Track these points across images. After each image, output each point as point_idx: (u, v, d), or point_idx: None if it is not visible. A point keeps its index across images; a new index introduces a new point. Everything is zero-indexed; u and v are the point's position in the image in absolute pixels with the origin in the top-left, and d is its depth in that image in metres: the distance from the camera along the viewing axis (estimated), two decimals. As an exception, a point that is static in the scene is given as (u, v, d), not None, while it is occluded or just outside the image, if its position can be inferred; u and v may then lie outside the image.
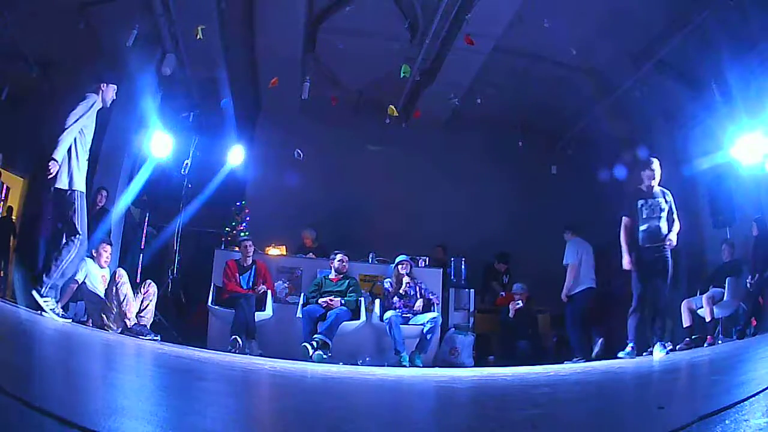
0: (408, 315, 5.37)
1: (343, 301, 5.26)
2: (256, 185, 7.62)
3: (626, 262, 4.56)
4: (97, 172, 5.95)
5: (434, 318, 5.22)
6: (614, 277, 7.71)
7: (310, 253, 6.48)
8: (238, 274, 5.40)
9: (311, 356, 4.65)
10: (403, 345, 5.11)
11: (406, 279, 5.45)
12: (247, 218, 6.64)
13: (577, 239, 6.44)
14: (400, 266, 5.52)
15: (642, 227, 4.55)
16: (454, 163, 7.96)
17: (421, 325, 5.23)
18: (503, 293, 6.79)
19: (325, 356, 4.71)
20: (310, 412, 1.85)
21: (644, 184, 4.68)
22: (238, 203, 6.79)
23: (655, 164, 4.65)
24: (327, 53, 6.83)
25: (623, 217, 4.65)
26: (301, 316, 5.15)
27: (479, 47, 6.09)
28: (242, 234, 6.31)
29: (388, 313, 5.24)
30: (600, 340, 5.70)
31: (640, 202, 4.61)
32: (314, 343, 4.73)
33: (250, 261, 5.50)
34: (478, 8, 5.58)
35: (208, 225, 6.90)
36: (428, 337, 5.16)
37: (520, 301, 6.21)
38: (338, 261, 5.51)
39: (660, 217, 4.54)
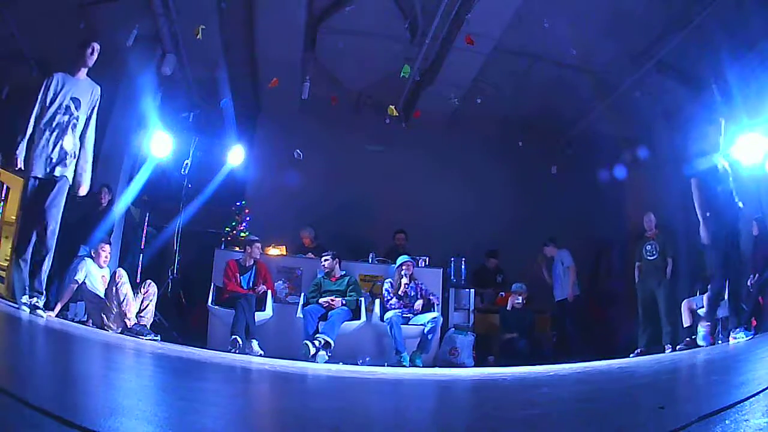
0: (408, 315, 5.38)
1: (344, 301, 5.27)
2: (256, 185, 7.62)
3: (705, 235, 3.85)
4: (97, 172, 5.96)
5: (435, 318, 5.24)
6: (613, 277, 7.77)
7: (309, 253, 6.49)
8: (238, 274, 5.40)
9: (313, 356, 4.66)
10: (403, 345, 5.12)
11: (404, 280, 5.46)
12: (247, 218, 6.64)
13: (562, 252, 6.65)
14: (403, 267, 5.52)
15: (719, 188, 3.88)
16: (454, 163, 7.95)
17: (422, 325, 5.24)
18: (503, 293, 6.80)
19: (327, 356, 4.72)
20: (310, 412, 1.85)
21: (710, 141, 4.04)
22: (238, 203, 6.79)
23: (722, 121, 4.02)
24: (327, 53, 6.82)
25: (693, 179, 3.92)
26: (302, 316, 5.15)
27: (479, 47, 6.09)
28: (242, 234, 6.31)
29: (389, 313, 5.24)
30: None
31: (716, 159, 3.90)
32: (316, 342, 4.74)
33: (252, 261, 5.50)
34: (478, 8, 5.58)
35: (208, 225, 6.89)
36: (429, 337, 5.18)
37: (519, 297, 6.23)
38: (322, 263, 5.53)
39: (731, 182, 3.90)
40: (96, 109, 3.68)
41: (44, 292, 3.47)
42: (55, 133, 3.42)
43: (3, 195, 7.08)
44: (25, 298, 3.34)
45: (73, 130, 3.50)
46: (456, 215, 7.68)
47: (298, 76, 6.99)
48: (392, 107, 6.85)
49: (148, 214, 6.44)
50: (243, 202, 6.88)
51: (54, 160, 3.41)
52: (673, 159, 6.75)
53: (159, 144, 5.96)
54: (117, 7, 5.72)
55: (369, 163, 7.98)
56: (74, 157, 3.52)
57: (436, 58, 6.79)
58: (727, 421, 1.26)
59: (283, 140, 7.62)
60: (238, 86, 7.15)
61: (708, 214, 3.93)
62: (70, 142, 3.47)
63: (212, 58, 6.55)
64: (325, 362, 4.64)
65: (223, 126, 7.00)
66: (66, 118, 3.47)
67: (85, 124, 3.60)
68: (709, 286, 4.13)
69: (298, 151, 7.13)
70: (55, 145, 3.42)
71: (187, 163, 6.49)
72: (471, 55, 6.38)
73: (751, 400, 1.45)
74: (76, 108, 3.51)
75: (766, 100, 5.25)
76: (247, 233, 6.32)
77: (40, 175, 3.40)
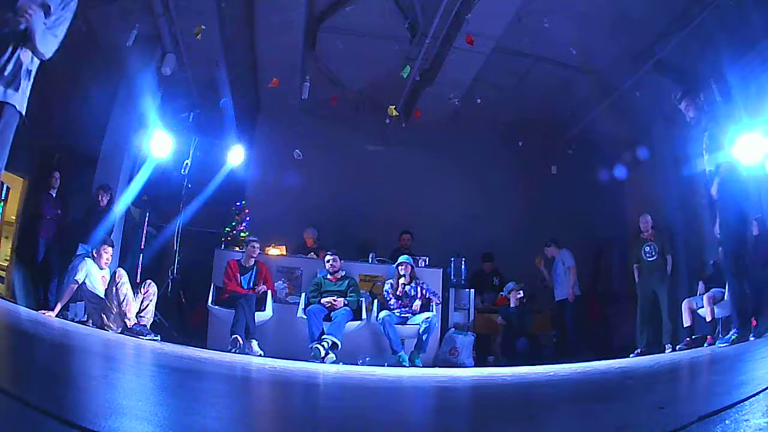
0: (407, 315, 5.38)
1: (346, 302, 5.28)
2: (256, 185, 7.62)
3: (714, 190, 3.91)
4: (97, 172, 5.96)
5: (429, 318, 5.22)
6: (613, 277, 7.78)
7: (312, 253, 6.49)
8: (239, 274, 5.40)
9: (324, 357, 4.66)
10: (399, 345, 5.12)
11: (402, 280, 5.46)
12: (247, 218, 6.64)
13: (563, 252, 6.65)
14: (400, 267, 5.52)
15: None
16: (454, 163, 7.96)
17: (417, 325, 5.24)
18: (502, 293, 6.81)
19: (334, 357, 4.73)
20: (310, 412, 1.85)
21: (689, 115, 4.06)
22: (238, 203, 6.79)
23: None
24: (327, 53, 6.82)
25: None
26: (305, 316, 5.15)
27: (479, 47, 6.09)
28: (242, 234, 6.31)
29: (382, 313, 5.26)
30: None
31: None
32: (324, 344, 4.75)
33: (253, 261, 5.50)
34: (478, 8, 5.58)
35: (208, 225, 6.90)
36: (424, 336, 5.16)
37: (521, 291, 6.24)
38: (327, 262, 5.53)
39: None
40: (71, 9, 2.93)
41: None
42: (12, 44, 2.68)
43: (3, 195, 7.09)
44: None
45: (34, 40, 2.74)
46: (456, 215, 7.68)
47: (298, 76, 6.98)
48: (392, 107, 6.85)
49: (148, 214, 6.44)
50: (243, 202, 6.88)
51: (5, 74, 2.66)
52: (673, 159, 6.75)
53: (159, 144, 5.96)
54: (117, 7, 5.71)
55: (369, 163, 7.98)
56: (29, 79, 2.79)
57: (436, 58, 6.79)
58: (727, 421, 1.26)
59: (283, 140, 7.62)
60: (238, 86, 7.14)
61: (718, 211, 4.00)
62: (27, 56, 2.74)
63: (212, 58, 6.55)
64: (331, 363, 4.66)
65: (223, 126, 6.99)
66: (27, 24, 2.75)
67: (53, 25, 2.85)
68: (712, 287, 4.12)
69: (297, 151, 7.13)
70: (9, 58, 2.69)
71: (187, 163, 6.50)
72: (471, 55, 6.37)
73: (751, 400, 1.45)
74: (46, 15, 2.80)
75: (766, 100, 5.25)
76: (247, 233, 6.33)
77: None
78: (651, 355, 5.04)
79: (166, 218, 6.60)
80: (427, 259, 6.30)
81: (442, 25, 6.14)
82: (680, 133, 6.75)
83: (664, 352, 5.30)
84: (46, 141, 6.43)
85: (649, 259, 5.88)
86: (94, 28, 5.94)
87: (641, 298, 5.90)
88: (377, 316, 5.32)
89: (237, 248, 5.98)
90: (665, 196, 6.86)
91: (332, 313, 5.14)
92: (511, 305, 6.26)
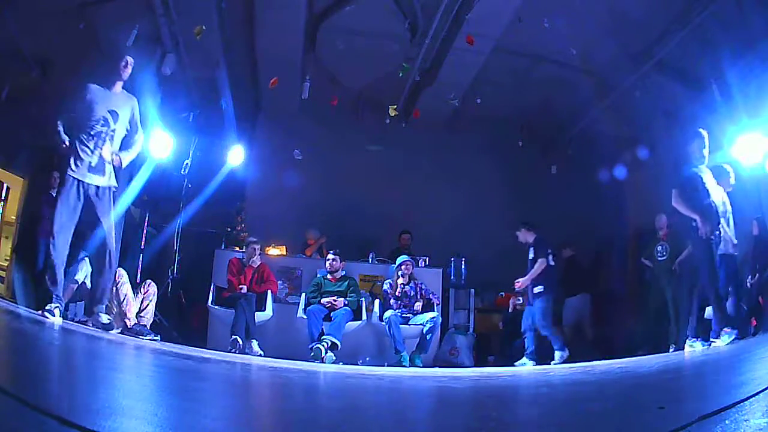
0: (408, 315, 5.39)
1: (346, 302, 5.28)
2: (256, 185, 7.62)
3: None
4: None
5: (434, 318, 5.24)
6: (613, 277, 7.76)
7: (316, 254, 6.51)
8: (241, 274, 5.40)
9: (323, 358, 4.66)
10: (402, 344, 5.12)
11: (400, 281, 5.47)
12: (247, 218, 6.65)
13: None
14: (402, 267, 5.52)
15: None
16: (454, 163, 7.96)
17: (421, 325, 5.24)
18: (503, 293, 6.80)
19: (334, 357, 4.74)
20: (310, 412, 1.85)
21: (695, 155, 4.64)
22: (238, 203, 6.79)
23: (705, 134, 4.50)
24: (327, 53, 6.83)
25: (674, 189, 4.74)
26: (305, 316, 5.15)
27: (479, 47, 6.09)
28: (242, 234, 6.32)
29: (388, 313, 5.25)
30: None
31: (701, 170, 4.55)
32: (324, 344, 4.75)
33: (256, 263, 5.48)
34: (478, 8, 5.58)
35: (208, 225, 6.90)
36: (428, 337, 5.18)
37: (521, 298, 6.23)
38: (328, 262, 5.53)
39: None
40: (137, 117, 3.94)
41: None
42: (92, 142, 3.62)
43: (3, 195, 7.09)
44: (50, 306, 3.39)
45: (110, 140, 3.70)
46: (455, 215, 7.67)
47: (298, 76, 6.98)
48: (392, 107, 6.85)
49: (148, 214, 6.44)
50: (243, 202, 6.89)
51: (93, 165, 3.60)
52: (673, 159, 6.74)
53: (159, 144, 5.96)
54: (117, 7, 5.71)
55: (369, 163, 7.98)
56: (111, 164, 3.73)
57: (436, 58, 6.79)
58: (727, 421, 1.26)
59: (283, 140, 7.62)
60: (238, 86, 7.15)
61: (694, 224, 4.29)
62: (108, 151, 3.67)
63: (212, 58, 6.55)
64: (331, 363, 4.66)
65: (223, 126, 7.00)
66: (104, 129, 3.69)
67: (127, 133, 3.86)
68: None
69: (297, 151, 7.13)
70: (93, 153, 3.61)
71: (187, 163, 6.50)
72: (471, 55, 6.38)
73: (751, 400, 1.45)
74: (113, 121, 3.72)
75: (766, 100, 5.25)
76: (247, 233, 6.34)
77: (81, 178, 3.56)
78: (653, 355, 5.04)
79: (166, 218, 6.60)
80: (427, 259, 6.30)
81: (442, 25, 6.15)
82: (680, 133, 6.76)
83: (668, 351, 5.30)
84: (46, 141, 6.43)
85: (660, 258, 5.86)
86: (94, 28, 5.94)
87: (649, 298, 5.86)
88: (381, 316, 5.33)
89: (237, 248, 5.98)
90: (665, 197, 6.85)
91: (332, 313, 5.14)
92: (509, 310, 6.25)
